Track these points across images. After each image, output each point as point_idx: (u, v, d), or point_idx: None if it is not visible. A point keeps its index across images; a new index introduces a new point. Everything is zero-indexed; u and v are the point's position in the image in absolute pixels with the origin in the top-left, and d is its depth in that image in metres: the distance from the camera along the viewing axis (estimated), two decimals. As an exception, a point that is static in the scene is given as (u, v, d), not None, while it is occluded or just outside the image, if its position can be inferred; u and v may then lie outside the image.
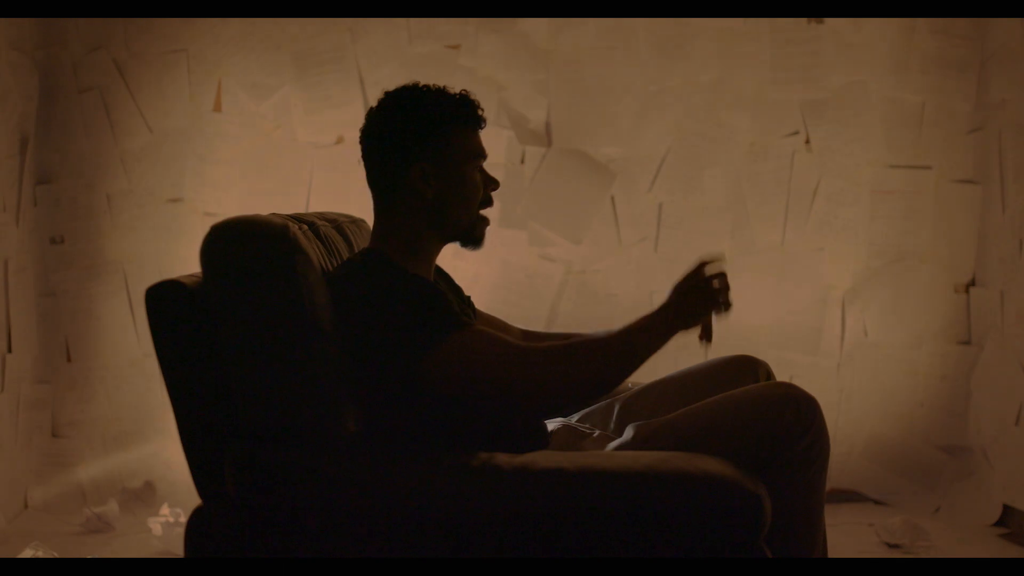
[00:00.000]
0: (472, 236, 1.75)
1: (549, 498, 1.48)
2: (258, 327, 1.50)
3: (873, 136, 3.26)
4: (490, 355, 1.56)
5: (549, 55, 3.25)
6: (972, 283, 3.26)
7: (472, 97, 1.73)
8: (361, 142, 1.74)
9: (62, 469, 3.19)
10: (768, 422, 1.60)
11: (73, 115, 3.21)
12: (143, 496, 3.13)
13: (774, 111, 3.27)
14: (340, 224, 1.94)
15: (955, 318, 3.27)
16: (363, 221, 2.09)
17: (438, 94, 1.71)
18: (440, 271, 1.88)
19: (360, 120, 3.13)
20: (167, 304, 1.58)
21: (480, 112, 1.73)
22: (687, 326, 1.62)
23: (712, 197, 3.28)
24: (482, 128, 1.74)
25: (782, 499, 1.58)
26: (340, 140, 3.25)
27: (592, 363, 1.57)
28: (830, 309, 3.29)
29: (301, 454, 1.51)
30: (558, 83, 3.26)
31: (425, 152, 1.68)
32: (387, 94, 1.73)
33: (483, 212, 1.76)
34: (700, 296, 1.61)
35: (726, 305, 1.63)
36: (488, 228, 1.78)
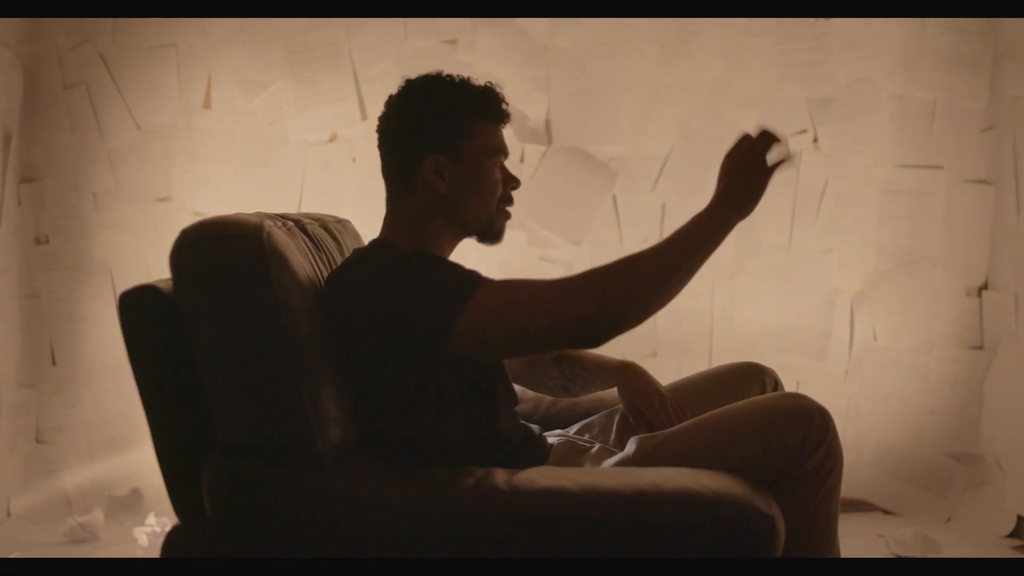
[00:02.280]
0: (490, 231, 1.66)
1: (548, 518, 1.39)
2: (229, 335, 1.41)
3: (882, 135, 3.18)
4: (528, 293, 1.45)
5: (549, 51, 3.18)
6: (985, 286, 3.18)
7: (497, 90, 1.64)
8: (378, 129, 1.66)
9: (46, 476, 3.10)
10: (779, 436, 1.51)
11: (58, 111, 3.14)
12: (130, 504, 3.05)
13: (780, 109, 3.18)
14: (325, 223, 1.85)
15: (967, 322, 3.18)
16: (348, 221, 2.02)
17: (461, 85, 1.62)
18: None
19: (354, 117, 3.14)
20: (141, 310, 1.49)
21: (504, 106, 1.64)
22: (750, 209, 1.48)
23: (716, 197, 3.20)
24: (506, 123, 1.65)
25: (794, 517, 1.49)
26: (333, 138, 3.18)
27: (644, 273, 1.43)
28: (838, 313, 3.20)
29: (281, 469, 1.42)
30: (558, 79, 3.19)
31: (441, 144, 1.59)
32: (408, 81, 1.65)
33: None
34: (756, 170, 1.47)
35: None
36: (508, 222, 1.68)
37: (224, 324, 1.41)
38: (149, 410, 1.50)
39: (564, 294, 1.44)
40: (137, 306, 1.49)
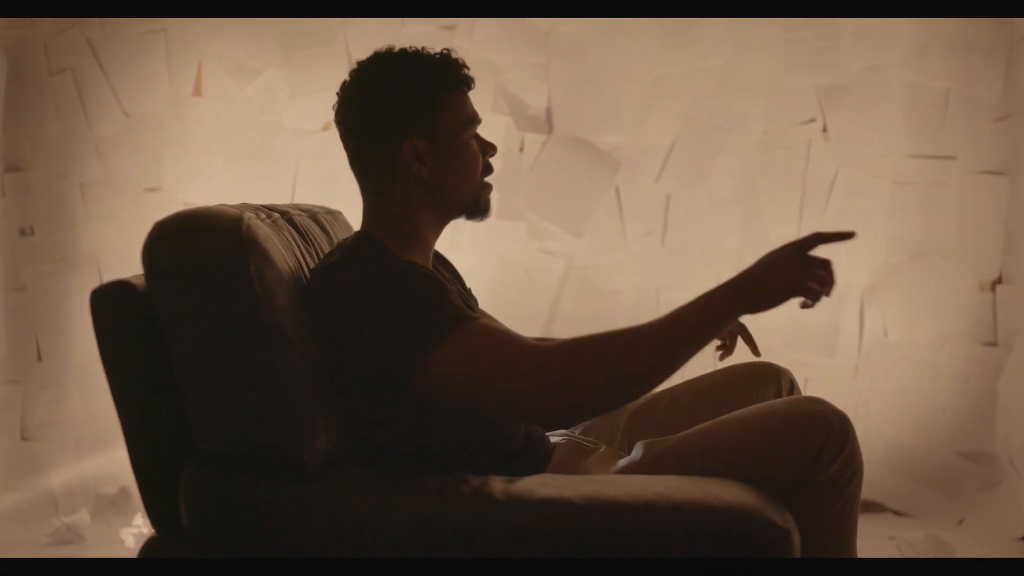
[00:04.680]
0: (477, 206, 1.56)
1: (548, 530, 1.31)
2: (205, 334, 1.32)
3: (894, 124, 3.10)
4: (499, 354, 1.35)
5: (549, 37, 3.12)
6: (999, 280, 3.10)
7: (454, 55, 1.52)
8: (338, 123, 1.54)
9: (31, 474, 3.04)
10: (795, 444, 1.42)
11: (44, 99, 3.07)
12: (117, 503, 2.97)
13: (788, 97, 3.11)
14: (315, 214, 1.76)
15: (980, 318, 3.10)
16: (339, 212, 1.93)
17: (417, 59, 1.50)
18: (439, 256, 1.69)
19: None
20: (115, 308, 1.41)
21: (466, 71, 1.53)
22: (755, 308, 1.39)
23: (722, 188, 3.14)
24: (471, 88, 1.54)
25: (811, 527, 1.41)
26: (328, 126, 3.10)
27: (627, 354, 1.34)
28: (848, 308, 3.13)
29: (263, 478, 1.33)
30: (559, 67, 3.12)
31: (414, 127, 1.48)
32: (360, 64, 1.52)
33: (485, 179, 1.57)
34: (790, 271, 1.37)
35: (815, 296, 1.37)
36: (492, 196, 1.58)
37: (201, 323, 1.31)
38: (123, 415, 1.42)
39: (532, 363, 1.34)
40: (110, 304, 1.40)
